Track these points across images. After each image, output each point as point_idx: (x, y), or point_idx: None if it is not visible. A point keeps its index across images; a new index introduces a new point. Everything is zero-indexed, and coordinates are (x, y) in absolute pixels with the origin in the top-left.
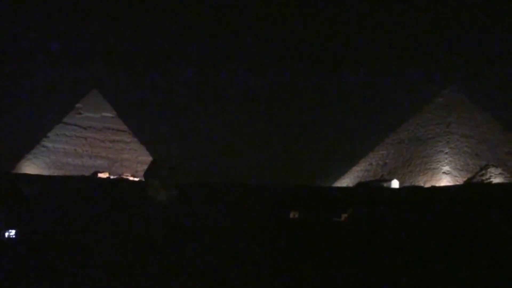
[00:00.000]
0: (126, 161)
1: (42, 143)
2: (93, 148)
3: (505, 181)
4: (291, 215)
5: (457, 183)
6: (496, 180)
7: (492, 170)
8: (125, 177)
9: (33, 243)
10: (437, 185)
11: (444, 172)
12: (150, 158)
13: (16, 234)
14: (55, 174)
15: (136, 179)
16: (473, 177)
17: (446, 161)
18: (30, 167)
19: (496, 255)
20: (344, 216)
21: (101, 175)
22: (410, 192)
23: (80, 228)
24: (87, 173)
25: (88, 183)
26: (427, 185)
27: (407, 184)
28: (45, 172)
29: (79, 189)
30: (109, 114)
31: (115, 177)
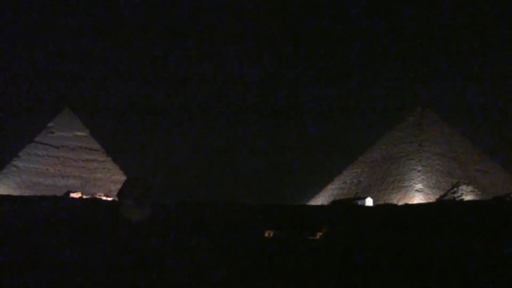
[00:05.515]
0: (99, 180)
1: (12, 163)
2: (66, 168)
3: (476, 198)
4: (266, 234)
5: (430, 201)
6: (468, 197)
7: (463, 187)
8: (98, 196)
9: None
10: (410, 202)
11: (417, 190)
12: (123, 178)
13: None
14: (26, 194)
15: (109, 198)
16: (445, 194)
17: (418, 179)
18: (0, 187)
19: (468, 272)
20: (319, 234)
21: (73, 195)
22: (383, 210)
23: (51, 250)
24: (59, 193)
25: (60, 203)
26: (401, 202)
27: (380, 202)
28: (15, 192)
29: (51, 209)
30: (82, 133)
31: (88, 197)
